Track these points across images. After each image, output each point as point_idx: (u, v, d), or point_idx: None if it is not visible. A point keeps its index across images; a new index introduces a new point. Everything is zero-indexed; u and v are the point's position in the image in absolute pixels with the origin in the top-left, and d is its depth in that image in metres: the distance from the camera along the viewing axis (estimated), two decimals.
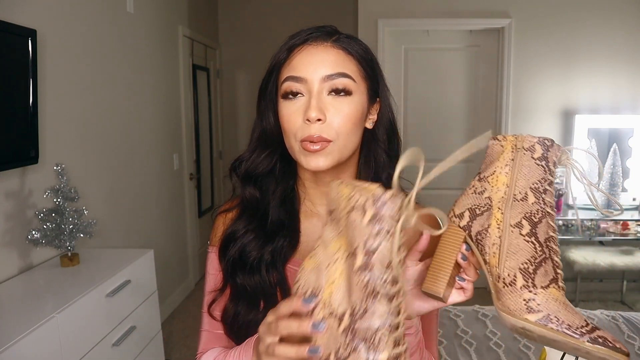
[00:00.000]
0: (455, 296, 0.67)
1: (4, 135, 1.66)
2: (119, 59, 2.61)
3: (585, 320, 0.57)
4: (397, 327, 0.49)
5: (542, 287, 0.58)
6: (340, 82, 0.73)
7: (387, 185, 0.82)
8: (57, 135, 2.02)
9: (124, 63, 2.66)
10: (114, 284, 1.77)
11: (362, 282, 0.49)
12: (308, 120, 0.71)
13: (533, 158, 0.64)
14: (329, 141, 0.72)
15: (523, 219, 0.62)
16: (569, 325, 0.56)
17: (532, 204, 0.62)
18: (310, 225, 0.82)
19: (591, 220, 3.25)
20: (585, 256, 3.14)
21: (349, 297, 0.50)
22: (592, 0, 3.38)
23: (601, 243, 3.37)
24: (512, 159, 0.65)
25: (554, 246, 0.61)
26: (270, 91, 0.78)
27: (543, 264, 0.60)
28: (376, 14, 3.48)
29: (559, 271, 0.60)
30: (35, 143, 1.79)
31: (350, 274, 0.50)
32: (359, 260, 0.49)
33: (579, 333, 0.55)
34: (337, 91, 0.73)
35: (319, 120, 0.71)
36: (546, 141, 0.64)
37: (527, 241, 0.61)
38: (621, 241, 3.30)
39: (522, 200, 0.63)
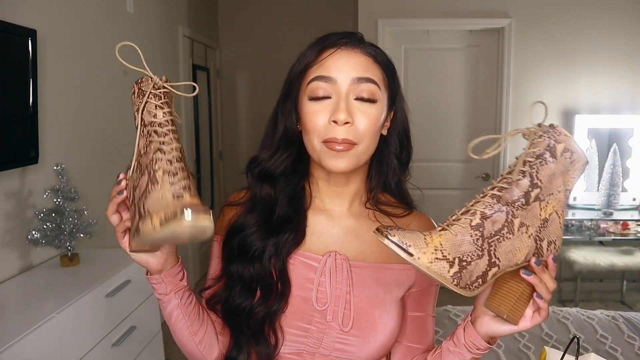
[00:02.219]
0: (527, 320, 0.67)
1: (4, 135, 1.66)
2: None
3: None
4: (169, 152, 0.65)
5: None
6: (368, 88, 0.75)
7: (396, 191, 0.85)
8: (57, 135, 2.02)
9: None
10: (114, 284, 1.77)
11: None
12: (335, 122, 0.73)
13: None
14: (354, 144, 0.74)
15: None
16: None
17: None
18: (317, 221, 0.84)
19: (591, 220, 3.25)
20: (585, 256, 3.14)
21: (137, 147, 0.69)
22: (592, 0, 3.39)
23: (601, 243, 3.37)
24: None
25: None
26: (295, 91, 0.79)
27: None
28: (376, 14, 3.48)
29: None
30: (35, 143, 1.79)
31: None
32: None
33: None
34: (363, 99, 0.75)
35: (346, 123, 0.73)
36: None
37: None
38: (621, 241, 3.30)
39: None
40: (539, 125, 0.67)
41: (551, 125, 0.66)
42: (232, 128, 4.60)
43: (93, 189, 2.30)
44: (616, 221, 3.25)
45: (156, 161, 0.64)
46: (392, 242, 0.60)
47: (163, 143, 0.65)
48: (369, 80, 0.75)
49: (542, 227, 0.65)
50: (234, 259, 0.80)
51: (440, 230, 0.63)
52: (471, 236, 0.61)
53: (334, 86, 0.75)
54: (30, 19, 1.80)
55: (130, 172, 0.71)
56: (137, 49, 0.70)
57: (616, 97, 3.45)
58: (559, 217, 0.67)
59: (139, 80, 0.73)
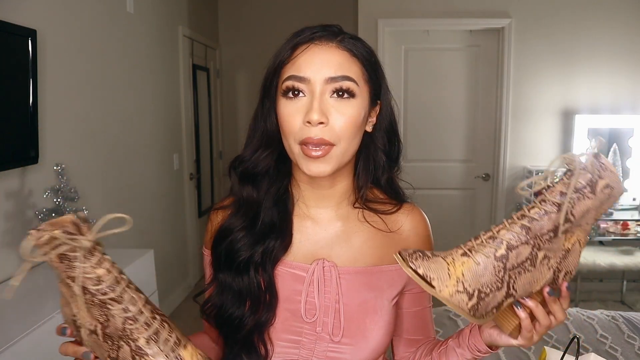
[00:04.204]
0: (520, 338, 0.68)
1: (4, 135, 1.66)
2: (119, 59, 2.61)
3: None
4: (139, 314, 0.57)
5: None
6: (343, 86, 0.71)
7: (386, 187, 0.84)
8: (57, 135, 2.02)
9: (124, 63, 2.66)
10: None
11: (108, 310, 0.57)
12: (309, 122, 0.69)
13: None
14: (331, 145, 0.71)
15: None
16: None
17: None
18: (303, 227, 0.82)
19: None
20: (585, 256, 3.14)
21: (89, 315, 0.57)
22: (592, 0, 3.39)
23: (601, 243, 3.37)
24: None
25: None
26: (273, 90, 0.76)
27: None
28: (376, 14, 3.48)
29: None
30: (35, 143, 1.79)
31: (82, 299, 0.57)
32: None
33: None
34: (340, 93, 0.71)
35: (321, 123, 0.70)
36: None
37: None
38: (621, 241, 3.30)
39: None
40: (582, 154, 0.63)
41: (596, 156, 0.62)
42: (232, 128, 4.60)
43: (93, 189, 2.30)
44: (616, 221, 3.24)
45: (132, 331, 0.56)
46: (417, 273, 0.59)
47: (128, 310, 0.56)
48: (345, 77, 0.71)
49: (563, 258, 0.64)
50: (222, 266, 0.79)
51: (462, 255, 0.61)
52: (494, 267, 0.60)
53: (307, 85, 0.71)
54: (30, 19, 1.80)
55: (86, 340, 0.60)
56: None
57: (616, 97, 3.45)
58: (581, 246, 0.65)
59: (54, 245, 0.53)
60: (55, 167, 1.84)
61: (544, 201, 0.62)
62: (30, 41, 1.72)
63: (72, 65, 2.16)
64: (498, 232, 0.62)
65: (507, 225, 0.62)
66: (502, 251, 0.61)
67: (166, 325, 0.58)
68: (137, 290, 0.59)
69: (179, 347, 0.57)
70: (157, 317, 0.58)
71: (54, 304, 1.52)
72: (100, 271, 0.55)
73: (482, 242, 0.62)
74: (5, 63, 1.64)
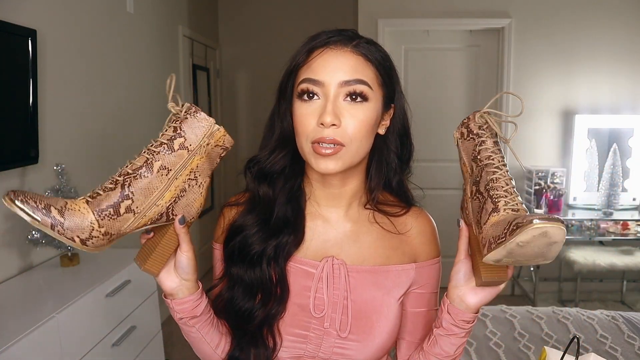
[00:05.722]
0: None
1: (4, 135, 1.66)
2: (119, 59, 2.61)
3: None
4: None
5: (484, 224, 0.68)
6: (357, 90, 0.73)
7: (397, 190, 0.85)
8: (57, 135, 2.02)
9: (124, 63, 2.66)
10: (114, 284, 1.77)
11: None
12: (322, 124, 0.72)
13: (465, 139, 0.78)
14: (342, 145, 0.73)
15: (472, 186, 0.75)
16: (491, 239, 0.65)
17: (474, 170, 0.75)
18: (314, 226, 0.84)
19: (591, 220, 3.25)
20: (585, 256, 3.14)
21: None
22: (592, 0, 3.39)
23: (601, 243, 3.37)
24: (460, 149, 0.79)
25: (493, 184, 0.70)
26: (288, 91, 0.79)
27: (484, 205, 0.70)
28: (376, 14, 3.48)
29: (499, 200, 0.68)
30: (35, 143, 1.79)
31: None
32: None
33: (485, 244, 0.66)
34: (353, 96, 0.73)
35: (333, 125, 0.71)
36: (464, 120, 0.78)
37: (474, 200, 0.73)
38: (621, 241, 3.30)
39: (471, 174, 0.76)
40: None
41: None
42: (232, 128, 4.60)
43: (93, 189, 2.30)
44: (616, 221, 3.25)
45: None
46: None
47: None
48: (358, 81, 0.73)
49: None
50: (235, 260, 0.80)
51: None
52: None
53: (322, 88, 0.73)
54: (30, 19, 1.81)
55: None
56: (173, 78, 0.79)
57: (616, 97, 3.45)
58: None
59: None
60: (55, 167, 1.84)
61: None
62: (30, 41, 1.72)
63: (72, 65, 2.16)
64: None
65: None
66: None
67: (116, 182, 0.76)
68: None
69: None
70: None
71: (54, 304, 1.52)
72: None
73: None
74: (5, 63, 1.64)
